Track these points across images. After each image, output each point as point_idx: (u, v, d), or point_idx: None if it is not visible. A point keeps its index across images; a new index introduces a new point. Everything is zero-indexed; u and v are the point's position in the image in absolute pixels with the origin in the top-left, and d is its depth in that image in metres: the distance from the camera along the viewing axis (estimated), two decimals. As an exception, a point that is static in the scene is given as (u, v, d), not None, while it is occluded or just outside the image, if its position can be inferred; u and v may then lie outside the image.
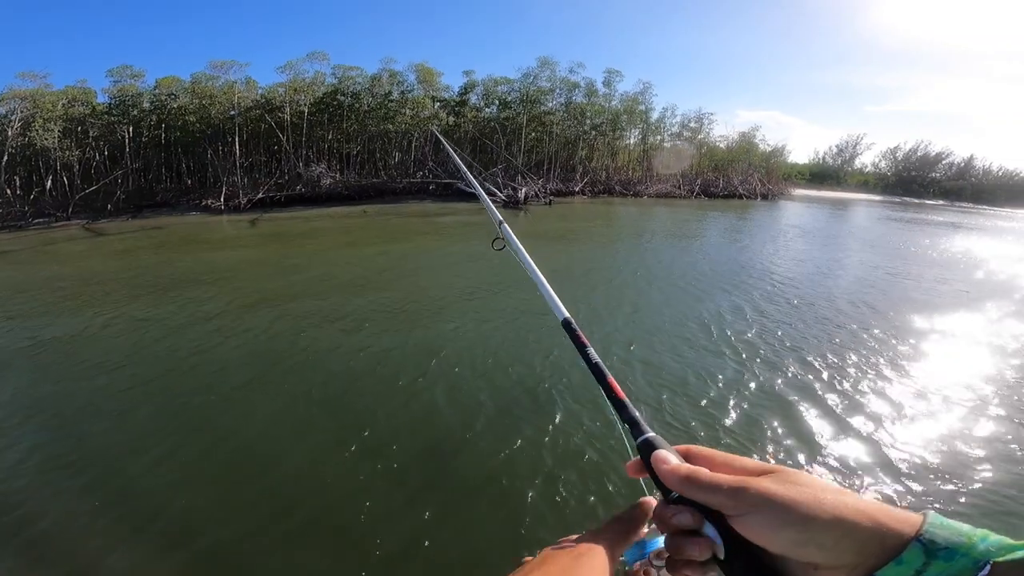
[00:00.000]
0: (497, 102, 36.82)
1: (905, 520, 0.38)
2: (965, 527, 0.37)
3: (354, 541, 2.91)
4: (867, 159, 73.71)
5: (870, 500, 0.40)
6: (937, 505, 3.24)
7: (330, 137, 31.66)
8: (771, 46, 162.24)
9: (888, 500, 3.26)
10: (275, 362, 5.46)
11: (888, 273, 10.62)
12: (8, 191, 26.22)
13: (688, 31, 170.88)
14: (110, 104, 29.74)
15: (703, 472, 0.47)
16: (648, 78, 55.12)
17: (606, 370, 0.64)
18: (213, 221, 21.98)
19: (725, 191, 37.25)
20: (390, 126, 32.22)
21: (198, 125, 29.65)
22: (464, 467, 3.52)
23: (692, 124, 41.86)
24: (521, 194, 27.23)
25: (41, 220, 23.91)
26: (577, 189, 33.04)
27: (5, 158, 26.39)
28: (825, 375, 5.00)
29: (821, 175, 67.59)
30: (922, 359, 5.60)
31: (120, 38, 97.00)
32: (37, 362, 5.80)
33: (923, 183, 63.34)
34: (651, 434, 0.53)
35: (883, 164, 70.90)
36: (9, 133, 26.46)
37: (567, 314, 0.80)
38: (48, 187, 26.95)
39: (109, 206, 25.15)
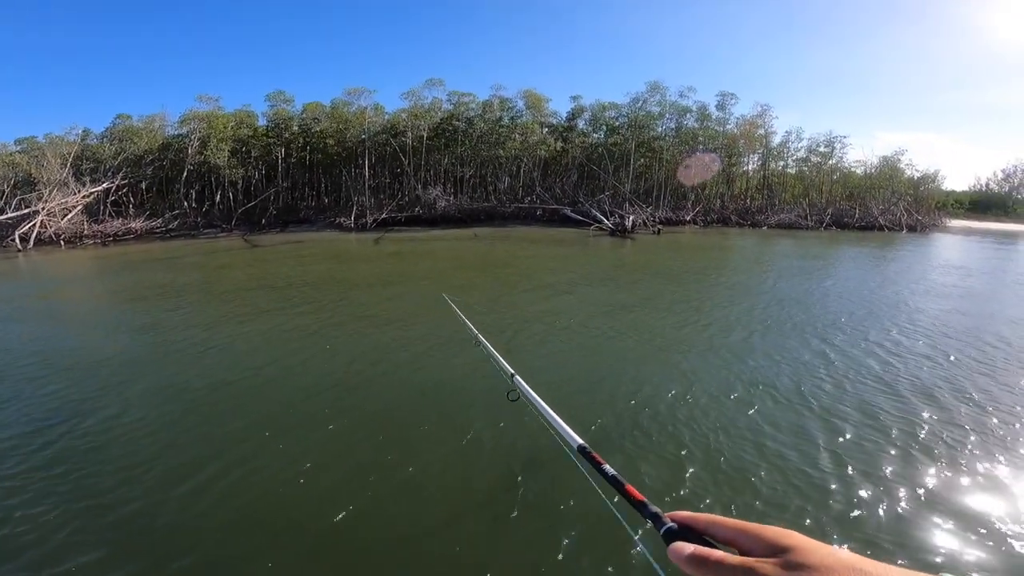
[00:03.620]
0: (605, 127, 36.60)
1: None
2: None
3: None
4: (1042, 185, 61.58)
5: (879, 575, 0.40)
6: None
7: (445, 161, 33.66)
8: (918, 63, 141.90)
9: None
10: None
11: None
12: (186, 203, 31.41)
13: (816, 51, 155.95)
14: (267, 127, 34.46)
15: (710, 553, 0.49)
16: (769, 100, 51.20)
17: (624, 479, 0.75)
18: (343, 238, 24.27)
19: (861, 222, 33.21)
20: (500, 151, 33.41)
21: (336, 148, 33.22)
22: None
23: (822, 148, 38.06)
24: (628, 222, 26.55)
25: (210, 230, 28.26)
26: (688, 218, 31.53)
27: (185, 174, 31.66)
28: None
29: (984, 204, 58.02)
30: None
31: (275, 62, 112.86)
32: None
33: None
34: (670, 523, 0.57)
35: (1065, 192, 58.80)
36: (189, 151, 31.68)
37: (581, 440, 0.92)
38: (217, 201, 31.82)
39: (263, 220, 29.06)
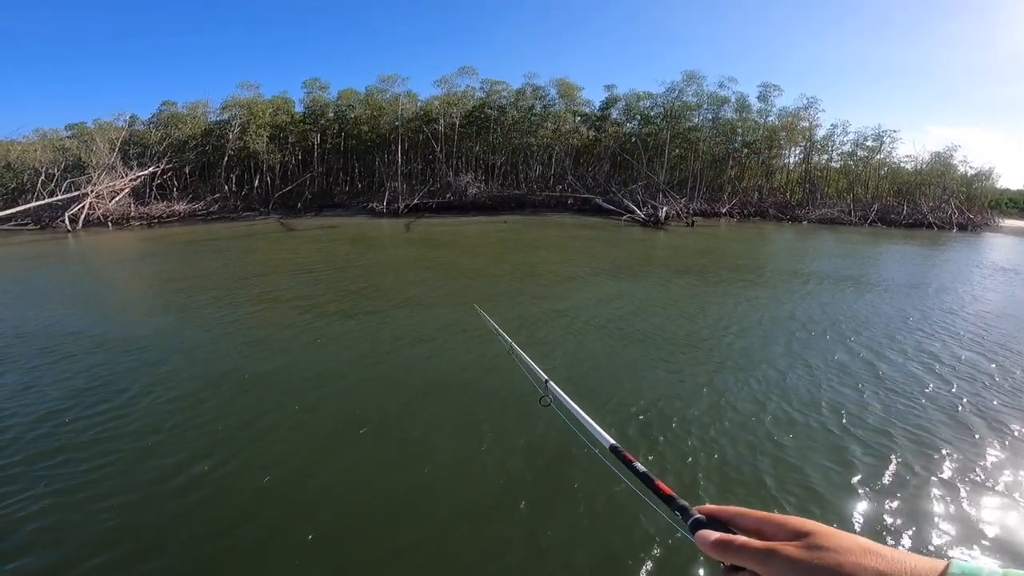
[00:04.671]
0: (639, 117, 35.83)
1: (929, 571, 0.41)
2: (986, 568, 0.39)
3: None
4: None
5: (893, 558, 0.43)
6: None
7: (477, 149, 33.59)
8: (975, 57, 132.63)
9: None
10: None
11: None
12: (226, 187, 32.34)
13: (867, 45, 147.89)
14: (304, 113, 35.06)
15: (734, 539, 0.52)
16: (813, 92, 48.74)
17: (653, 476, 0.79)
18: (375, 223, 24.53)
19: (909, 219, 31.63)
20: (532, 139, 33.12)
21: (370, 134, 33.57)
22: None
23: (869, 142, 36.32)
24: (662, 213, 25.98)
25: (248, 213, 29.02)
26: (724, 211, 30.60)
27: (226, 159, 32.56)
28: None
29: (1040, 204, 54.58)
30: None
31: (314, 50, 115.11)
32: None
33: None
34: (697, 515, 0.61)
35: None
36: (230, 136, 32.51)
37: (613, 440, 0.96)
38: (256, 185, 32.65)
39: (299, 204, 29.70)
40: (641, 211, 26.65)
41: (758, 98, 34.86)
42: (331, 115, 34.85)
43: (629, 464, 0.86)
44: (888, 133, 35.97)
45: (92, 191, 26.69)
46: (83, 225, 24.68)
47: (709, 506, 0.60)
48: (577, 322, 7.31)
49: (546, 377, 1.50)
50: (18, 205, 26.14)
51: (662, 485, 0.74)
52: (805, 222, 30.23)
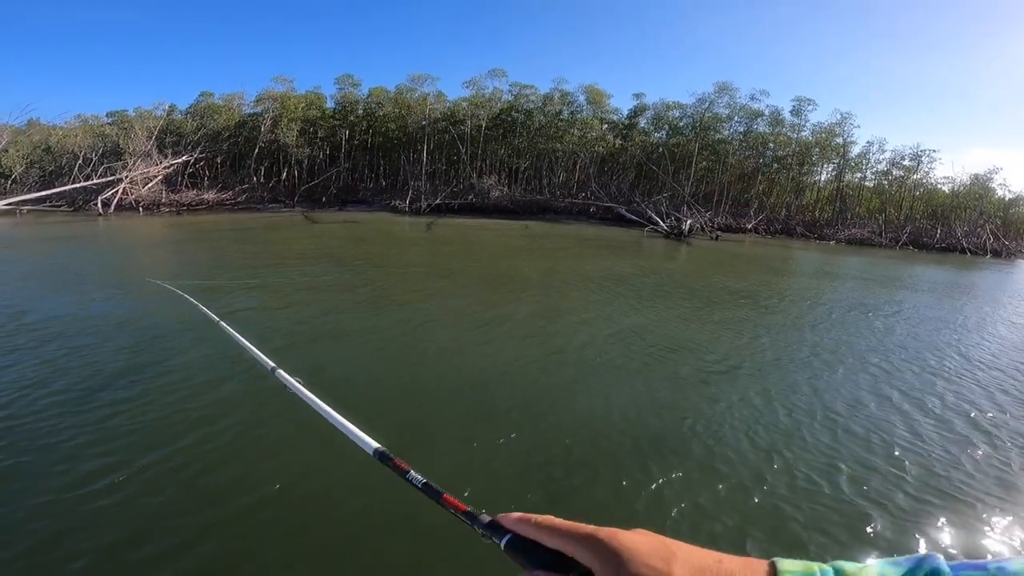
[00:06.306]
0: (667, 127, 35.44)
1: (758, 570, 0.42)
2: (811, 563, 0.41)
3: None
4: None
5: (721, 554, 0.43)
6: None
7: (501, 152, 33.66)
8: (1016, 73, 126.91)
9: None
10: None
11: None
12: (255, 178, 33.03)
13: (902, 58, 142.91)
14: (335, 109, 35.63)
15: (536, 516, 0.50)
16: (848, 108, 47.35)
17: (440, 488, 0.64)
18: (397, 220, 24.72)
19: (942, 243, 30.59)
20: (558, 145, 33.04)
21: (396, 132, 33.94)
22: None
23: (906, 162, 35.22)
24: (685, 226, 25.58)
25: (274, 205, 29.58)
26: (750, 226, 30.00)
27: (256, 150, 33.27)
28: None
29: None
30: None
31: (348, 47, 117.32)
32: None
33: None
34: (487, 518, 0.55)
35: None
36: (262, 129, 33.21)
37: (376, 444, 0.79)
38: (283, 178, 33.30)
39: (324, 199, 30.15)
40: (664, 223, 26.30)
41: (792, 112, 34.13)
42: (360, 112, 35.35)
43: (404, 474, 0.70)
44: (927, 153, 34.84)
45: (127, 176, 27.50)
46: (114, 209, 25.41)
47: (514, 514, 0.52)
48: (602, 337, 7.19)
49: (273, 364, 1.32)
50: (55, 187, 27.11)
51: (453, 499, 0.61)
52: (833, 241, 29.45)
